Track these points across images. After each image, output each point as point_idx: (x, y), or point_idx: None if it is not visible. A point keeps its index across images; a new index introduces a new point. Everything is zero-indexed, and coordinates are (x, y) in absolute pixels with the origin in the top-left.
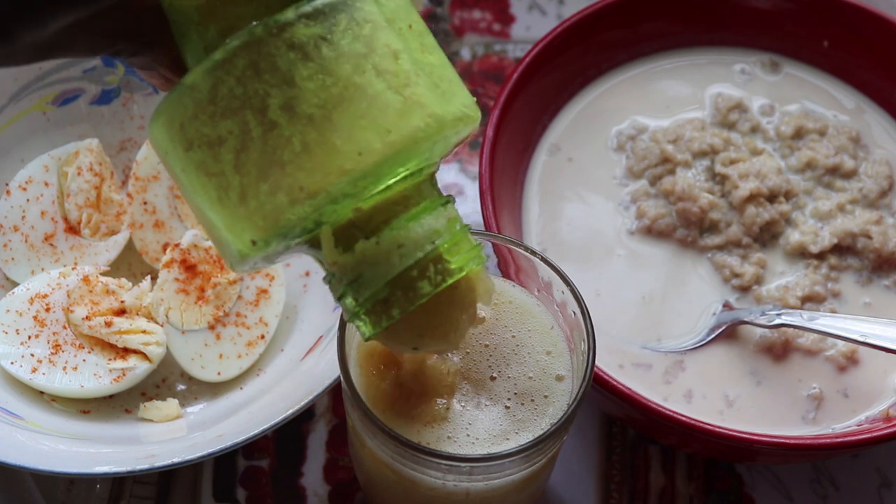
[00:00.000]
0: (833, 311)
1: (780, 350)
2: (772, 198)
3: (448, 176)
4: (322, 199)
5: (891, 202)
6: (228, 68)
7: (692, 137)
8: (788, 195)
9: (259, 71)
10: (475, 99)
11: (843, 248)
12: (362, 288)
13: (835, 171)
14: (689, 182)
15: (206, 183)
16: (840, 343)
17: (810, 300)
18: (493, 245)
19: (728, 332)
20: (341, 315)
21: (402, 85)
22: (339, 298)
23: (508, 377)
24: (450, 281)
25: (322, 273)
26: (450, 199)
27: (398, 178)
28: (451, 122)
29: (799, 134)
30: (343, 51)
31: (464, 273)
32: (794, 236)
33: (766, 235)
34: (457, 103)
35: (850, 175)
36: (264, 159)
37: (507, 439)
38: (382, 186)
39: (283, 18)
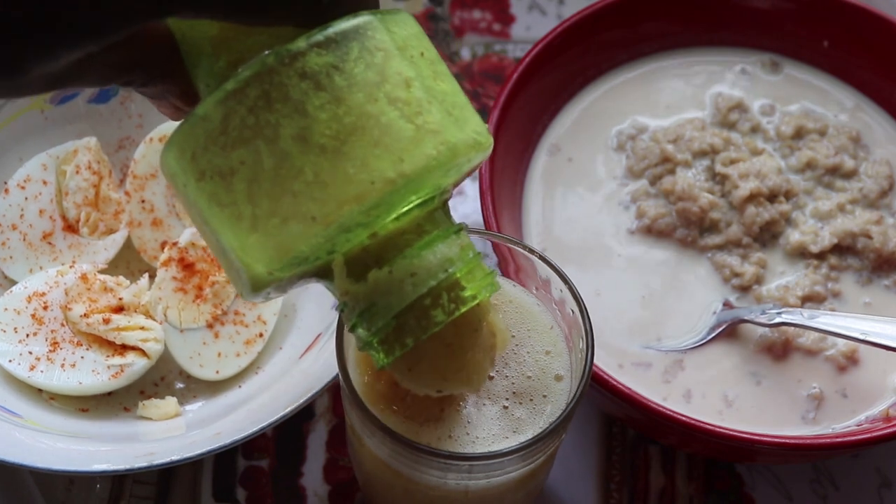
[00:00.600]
0: (833, 311)
1: (780, 350)
2: (772, 198)
3: None
4: (334, 229)
5: (891, 202)
6: (240, 98)
7: (692, 137)
8: (788, 195)
9: (271, 101)
10: (487, 126)
11: (843, 248)
12: (375, 317)
13: (835, 171)
14: (689, 182)
15: (219, 213)
16: (840, 343)
17: (810, 300)
18: (493, 244)
19: (728, 332)
20: (339, 314)
21: (414, 113)
22: (352, 328)
23: (507, 376)
24: (463, 309)
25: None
26: (462, 227)
27: (411, 205)
28: (463, 150)
29: (799, 134)
30: (355, 80)
31: (477, 301)
32: (794, 236)
33: (766, 235)
34: (469, 130)
35: (850, 175)
36: (276, 189)
37: (506, 438)
38: (395, 215)
39: (294, 48)
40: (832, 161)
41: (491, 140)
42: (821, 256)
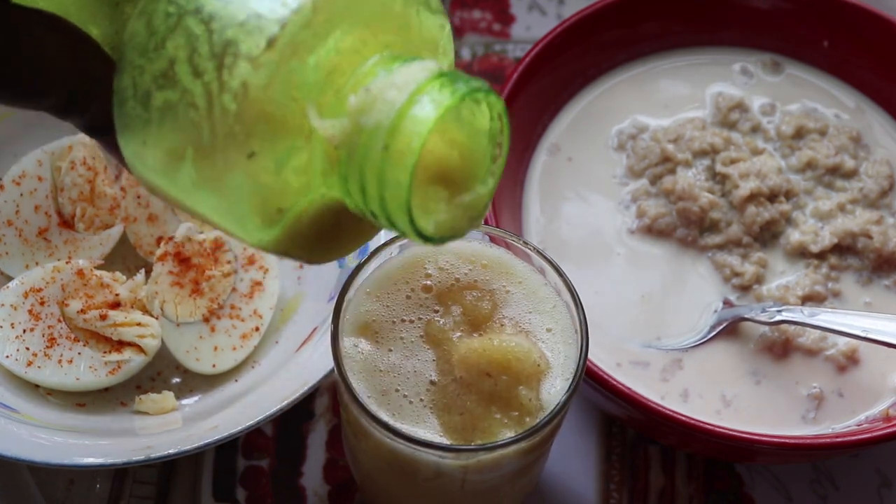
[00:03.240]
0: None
1: (780, 350)
2: (772, 197)
3: None
4: (281, 48)
5: (891, 202)
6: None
7: (693, 137)
8: (789, 195)
9: None
10: None
11: (843, 248)
12: (372, 140)
13: (835, 170)
14: (689, 182)
15: (182, 128)
16: (840, 342)
17: (811, 300)
18: (490, 238)
19: (728, 331)
20: (335, 307)
21: None
22: (354, 194)
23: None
24: (459, 96)
25: (315, 267)
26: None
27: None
28: None
29: (799, 134)
30: None
31: (468, 94)
32: (794, 236)
33: (767, 235)
34: None
35: (850, 175)
36: (216, 49)
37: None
38: (340, 37)
39: None
40: (832, 161)
41: None
42: (821, 256)
